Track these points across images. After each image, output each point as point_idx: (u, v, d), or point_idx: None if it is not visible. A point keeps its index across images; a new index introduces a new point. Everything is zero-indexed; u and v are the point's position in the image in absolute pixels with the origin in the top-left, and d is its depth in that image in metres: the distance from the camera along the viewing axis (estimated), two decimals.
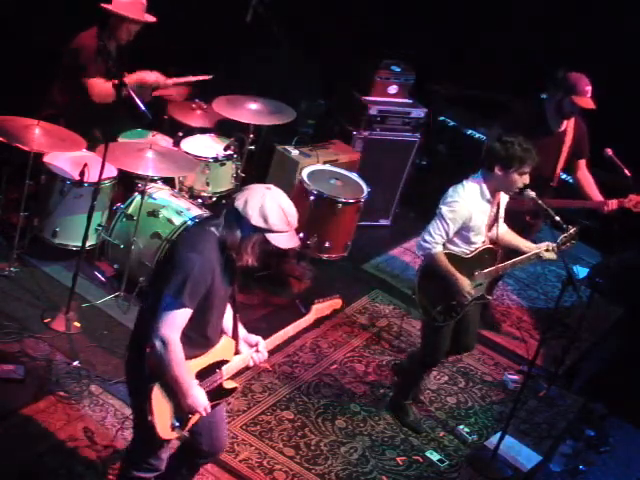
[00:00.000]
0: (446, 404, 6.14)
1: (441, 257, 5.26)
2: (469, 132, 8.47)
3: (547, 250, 5.47)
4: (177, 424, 4.10)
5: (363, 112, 7.76)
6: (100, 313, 6.03)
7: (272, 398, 5.78)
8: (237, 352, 4.25)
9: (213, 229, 3.95)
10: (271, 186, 3.98)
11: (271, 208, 3.88)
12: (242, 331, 4.31)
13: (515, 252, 5.54)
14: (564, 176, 6.75)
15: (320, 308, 4.40)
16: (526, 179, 5.22)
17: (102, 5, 6.24)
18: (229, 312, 4.27)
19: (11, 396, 5.15)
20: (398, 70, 7.89)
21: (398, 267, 7.59)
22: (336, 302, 4.47)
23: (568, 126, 6.30)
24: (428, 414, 5.99)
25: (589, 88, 6.08)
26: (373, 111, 7.76)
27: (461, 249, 5.34)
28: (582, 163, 6.47)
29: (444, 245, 5.31)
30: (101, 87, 6.26)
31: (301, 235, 6.59)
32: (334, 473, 5.35)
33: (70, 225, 6.15)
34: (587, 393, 6.56)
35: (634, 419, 6.42)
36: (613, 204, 6.25)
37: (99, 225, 6.20)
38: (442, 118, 8.58)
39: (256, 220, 3.87)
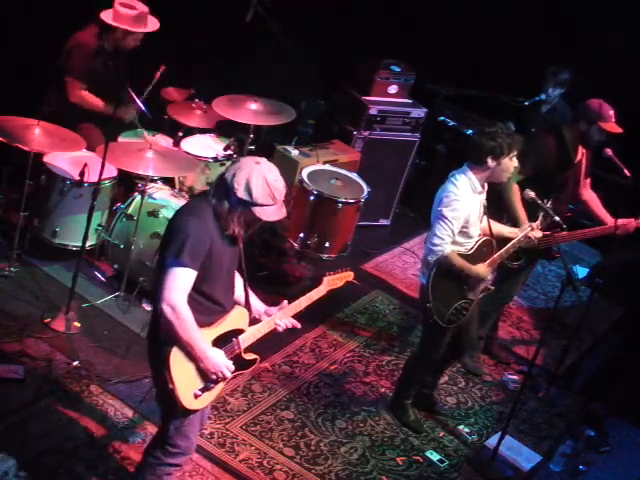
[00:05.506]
0: (446, 404, 6.15)
1: (454, 255, 5.30)
2: (469, 132, 8.45)
3: (532, 229, 5.62)
4: (200, 393, 4.09)
5: (363, 112, 7.75)
6: (100, 313, 6.02)
7: (272, 398, 5.78)
8: (252, 323, 4.27)
9: (209, 198, 4.03)
10: (262, 160, 4.05)
11: (256, 182, 3.96)
12: (260, 304, 4.36)
13: (501, 240, 5.60)
14: None
15: (331, 280, 4.54)
16: (515, 162, 5.29)
17: (110, 23, 6.24)
18: (240, 284, 4.30)
19: (11, 396, 5.15)
20: (398, 70, 7.89)
21: (398, 267, 7.60)
22: (347, 274, 4.64)
23: (582, 153, 6.14)
24: (429, 414, 6.01)
25: (613, 112, 5.93)
26: (373, 111, 7.76)
27: (463, 247, 5.37)
28: (587, 182, 6.33)
29: None
30: (81, 92, 6.32)
31: (301, 235, 6.59)
32: (334, 473, 5.35)
33: (70, 225, 6.15)
34: (587, 393, 6.56)
35: (634, 419, 6.42)
36: (628, 226, 6.12)
37: (99, 225, 6.20)
38: (442, 118, 8.57)
39: (241, 193, 3.96)
